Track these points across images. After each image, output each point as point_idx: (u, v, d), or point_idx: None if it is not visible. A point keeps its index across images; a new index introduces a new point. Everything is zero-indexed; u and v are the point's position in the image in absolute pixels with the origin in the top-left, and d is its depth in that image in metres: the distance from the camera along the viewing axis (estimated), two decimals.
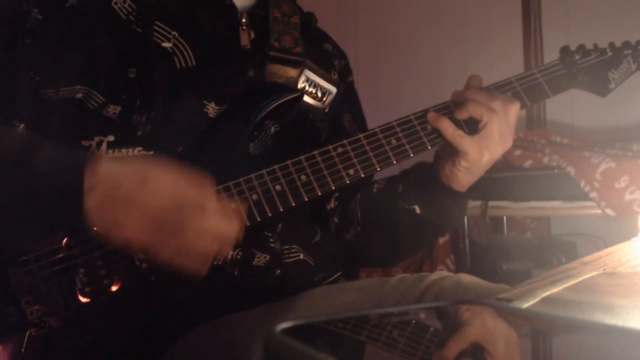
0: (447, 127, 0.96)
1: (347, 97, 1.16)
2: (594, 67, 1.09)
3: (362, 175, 0.92)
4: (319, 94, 1.07)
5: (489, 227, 2.08)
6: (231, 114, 0.94)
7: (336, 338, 0.53)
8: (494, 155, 0.97)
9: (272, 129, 0.99)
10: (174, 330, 0.88)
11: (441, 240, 2.18)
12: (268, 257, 0.95)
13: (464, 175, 1.00)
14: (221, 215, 0.78)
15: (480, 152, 0.96)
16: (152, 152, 0.90)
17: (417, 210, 1.04)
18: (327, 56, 1.14)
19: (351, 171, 0.92)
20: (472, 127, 0.97)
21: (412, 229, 1.06)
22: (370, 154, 0.93)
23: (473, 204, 1.99)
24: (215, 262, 0.90)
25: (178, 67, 0.94)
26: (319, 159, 0.91)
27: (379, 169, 0.93)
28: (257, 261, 0.94)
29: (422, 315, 0.61)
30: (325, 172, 0.91)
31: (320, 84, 1.07)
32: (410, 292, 0.94)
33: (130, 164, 0.77)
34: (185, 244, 0.76)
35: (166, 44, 0.94)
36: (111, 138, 0.89)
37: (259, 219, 0.87)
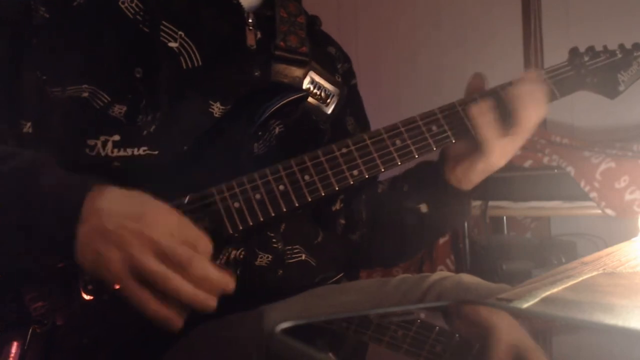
0: (487, 127, 0.95)
1: (351, 101, 1.16)
2: (603, 69, 1.09)
3: (366, 176, 0.92)
4: (323, 96, 1.07)
5: (489, 227, 2.08)
6: (236, 113, 0.94)
7: (336, 338, 0.53)
8: (508, 159, 0.99)
9: (277, 130, 0.99)
10: None
11: (441, 240, 2.18)
12: (270, 257, 0.95)
13: (477, 176, 1.00)
14: (210, 271, 0.75)
15: (501, 157, 0.97)
16: (157, 152, 0.90)
17: (423, 209, 1.04)
18: (331, 59, 1.15)
19: (355, 172, 0.92)
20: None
21: (418, 228, 1.06)
22: (375, 155, 0.93)
23: (473, 204, 1.99)
24: (218, 262, 0.90)
25: (184, 67, 0.94)
26: (322, 159, 0.91)
27: (383, 170, 0.93)
28: (260, 261, 0.94)
29: (423, 315, 0.61)
30: (329, 173, 0.90)
31: (325, 86, 1.07)
32: (411, 292, 0.94)
33: (131, 198, 0.76)
34: (165, 291, 0.74)
35: (172, 44, 0.94)
36: (117, 137, 0.89)
37: (261, 219, 0.87)
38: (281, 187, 0.88)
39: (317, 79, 1.06)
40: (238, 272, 0.92)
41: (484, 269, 1.94)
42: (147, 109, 0.90)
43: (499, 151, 0.97)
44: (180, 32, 0.95)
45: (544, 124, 2.19)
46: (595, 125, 2.26)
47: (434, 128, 0.96)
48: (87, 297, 0.82)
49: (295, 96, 0.95)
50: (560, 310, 0.56)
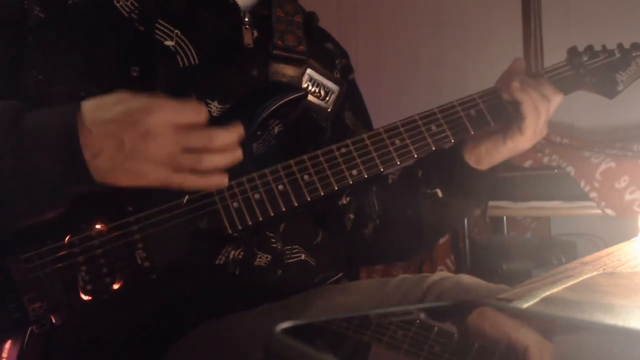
0: (529, 104, 0.97)
1: (349, 95, 1.16)
2: (602, 69, 1.09)
3: (365, 176, 0.92)
4: (322, 93, 1.07)
5: (489, 227, 2.08)
6: (234, 113, 0.94)
7: (337, 338, 0.53)
8: (532, 144, 1.01)
9: (276, 129, 0.99)
10: (175, 329, 0.89)
11: (441, 240, 2.18)
12: (270, 257, 0.95)
13: (500, 156, 1.02)
14: (225, 147, 0.82)
15: (532, 136, 0.99)
16: None
17: (439, 194, 1.04)
18: (329, 55, 1.14)
19: (354, 171, 0.92)
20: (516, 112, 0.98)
21: (435, 213, 1.06)
22: (374, 154, 0.93)
23: None
24: (217, 262, 0.90)
25: (181, 65, 0.94)
26: (322, 158, 0.91)
27: (382, 170, 0.93)
28: (259, 261, 0.94)
29: (422, 316, 0.61)
30: (329, 172, 0.90)
31: (323, 83, 1.07)
32: (411, 292, 0.94)
33: (123, 115, 0.77)
34: (200, 182, 0.82)
35: (169, 43, 0.94)
36: None
37: (261, 218, 0.87)
38: (280, 187, 0.88)
39: (316, 76, 1.06)
40: (237, 272, 0.92)
41: (484, 269, 1.93)
42: None
43: (532, 130, 0.98)
44: (176, 31, 0.95)
45: None
46: (595, 125, 2.26)
47: (433, 128, 0.97)
48: (85, 297, 0.82)
49: (294, 95, 0.95)
50: (560, 310, 0.56)
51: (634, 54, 1.10)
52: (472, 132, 0.98)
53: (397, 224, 1.09)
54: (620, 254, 0.88)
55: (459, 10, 2.62)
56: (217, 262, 0.90)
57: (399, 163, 0.95)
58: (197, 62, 0.95)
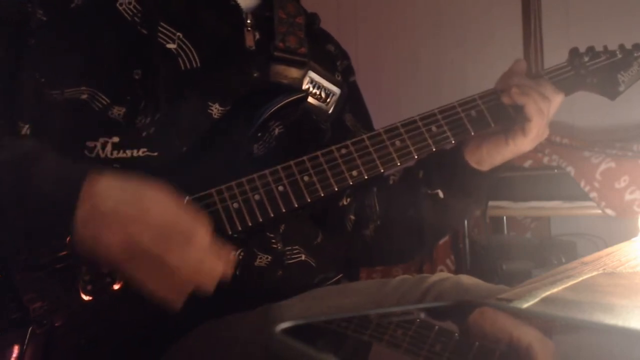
0: (533, 105, 0.97)
1: (350, 97, 1.16)
2: (604, 69, 1.09)
3: (366, 177, 0.92)
4: (323, 95, 1.07)
5: (489, 227, 2.08)
6: (235, 115, 0.94)
7: (337, 338, 0.53)
8: (534, 145, 1.01)
9: (276, 131, 0.99)
10: (175, 329, 0.89)
11: (441, 240, 2.18)
12: (270, 257, 0.95)
13: (502, 157, 1.02)
14: (209, 252, 0.76)
15: (535, 138, 0.99)
16: (156, 154, 0.90)
17: (441, 194, 1.04)
18: (330, 57, 1.14)
19: (354, 172, 0.92)
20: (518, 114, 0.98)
21: (436, 214, 1.06)
22: (374, 155, 0.93)
23: None
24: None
25: (182, 68, 0.94)
26: (322, 159, 0.91)
27: (382, 171, 0.93)
28: (259, 262, 0.94)
29: (422, 315, 0.61)
30: (329, 173, 0.90)
31: (324, 85, 1.07)
32: (410, 293, 0.94)
33: (132, 183, 0.76)
34: (163, 271, 0.74)
35: (171, 45, 0.94)
36: (116, 139, 0.89)
37: (261, 220, 0.87)
38: (280, 188, 0.88)
39: (317, 78, 1.06)
40: (237, 272, 0.92)
41: (484, 269, 1.94)
42: (146, 111, 0.90)
43: (536, 132, 0.98)
44: (178, 34, 0.95)
45: None
46: (595, 125, 2.26)
47: (434, 128, 0.97)
48: (86, 297, 0.82)
49: (295, 97, 0.95)
50: (560, 310, 0.56)
51: (635, 55, 1.10)
52: (472, 133, 0.98)
53: (398, 224, 1.09)
54: (620, 254, 0.88)
55: (459, 10, 2.62)
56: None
57: (399, 164, 0.95)
58: (198, 64, 0.95)
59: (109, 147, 0.89)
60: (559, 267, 0.79)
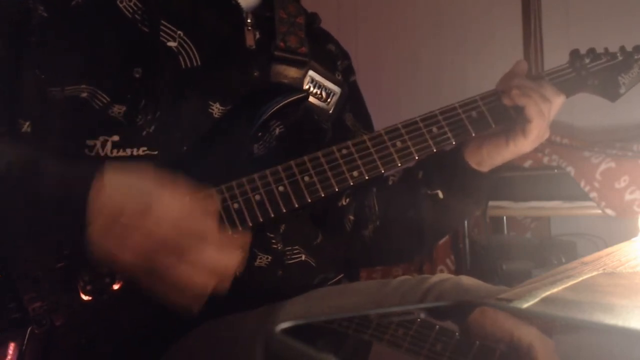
0: (534, 103, 0.97)
1: (350, 97, 1.15)
2: (604, 71, 1.09)
3: (366, 177, 0.92)
4: (324, 95, 1.07)
5: (489, 227, 2.08)
6: (236, 114, 0.94)
7: (337, 338, 0.53)
8: (534, 146, 1.01)
9: (277, 130, 0.99)
10: (175, 329, 0.89)
11: (441, 240, 2.18)
12: (270, 258, 0.95)
13: (502, 157, 1.01)
14: (221, 248, 0.75)
15: (535, 139, 0.99)
16: (156, 152, 0.90)
17: (440, 195, 1.04)
18: (330, 57, 1.14)
19: (355, 173, 0.92)
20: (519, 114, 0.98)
21: (435, 215, 1.06)
22: (375, 156, 0.93)
23: None
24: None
25: (183, 66, 0.94)
26: (322, 160, 0.91)
27: (383, 171, 0.93)
28: (259, 262, 0.94)
29: (423, 315, 0.61)
30: (329, 174, 0.90)
31: (325, 84, 1.07)
32: (411, 294, 0.94)
33: (136, 185, 0.75)
34: (180, 277, 0.73)
35: (171, 44, 0.94)
36: (116, 138, 0.89)
37: (261, 220, 0.87)
38: (281, 188, 0.88)
39: (318, 78, 1.06)
40: (237, 272, 0.92)
41: (484, 269, 1.94)
42: (146, 109, 0.90)
43: (536, 132, 0.98)
44: (179, 32, 0.95)
45: None
46: (595, 125, 2.26)
47: (434, 129, 0.96)
48: (85, 297, 0.82)
49: (295, 97, 0.95)
50: (560, 310, 0.56)
51: (636, 57, 1.10)
52: (473, 134, 0.98)
53: (397, 225, 1.09)
54: (620, 254, 0.88)
55: (459, 10, 2.62)
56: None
57: (399, 164, 0.95)
58: (199, 63, 0.95)
59: (108, 146, 0.89)
60: (559, 267, 0.79)
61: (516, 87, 0.98)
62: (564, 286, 0.63)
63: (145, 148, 0.90)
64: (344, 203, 1.12)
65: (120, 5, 0.93)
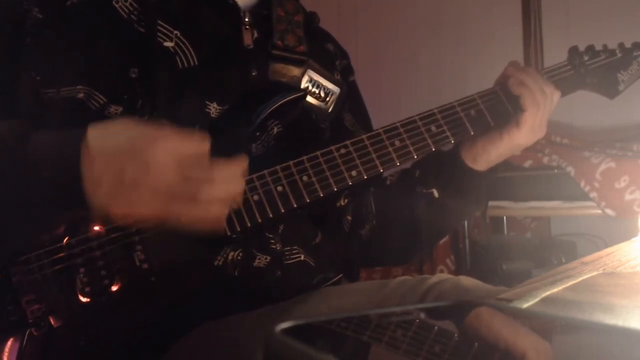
0: (530, 92, 0.96)
1: (349, 97, 1.15)
2: (603, 69, 1.08)
3: (365, 177, 0.91)
4: (322, 95, 1.06)
5: (489, 227, 2.08)
6: (233, 114, 0.94)
7: (337, 338, 0.53)
8: (529, 141, 1.00)
9: (275, 130, 0.98)
10: (174, 330, 0.88)
11: (439, 241, 2.18)
12: (269, 258, 0.95)
13: (497, 154, 1.01)
14: (224, 180, 0.78)
15: (530, 131, 0.98)
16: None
17: (436, 194, 1.04)
18: (329, 56, 1.14)
19: (354, 172, 0.91)
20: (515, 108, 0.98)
21: (431, 214, 1.05)
22: (373, 155, 0.92)
23: None
24: (216, 263, 0.90)
25: (180, 66, 0.94)
26: (321, 159, 0.90)
27: (381, 171, 0.93)
28: (258, 262, 0.94)
29: (422, 316, 0.61)
30: (328, 173, 0.90)
31: (324, 84, 1.06)
32: (410, 294, 0.94)
33: (127, 144, 0.75)
34: (197, 216, 0.76)
35: (168, 44, 0.94)
36: None
37: (260, 220, 0.86)
38: (279, 188, 0.88)
39: (316, 77, 1.05)
40: (236, 273, 0.92)
41: (484, 269, 1.94)
42: (143, 110, 0.89)
43: (530, 125, 0.97)
44: (176, 32, 0.94)
45: None
46: (595, 125, 2.26)
47: (433, 128, 0.96)
48: (84, 299, 0.82)
49: (293, 96, 0.94)
50: (560, 310, 0.56)
51: (634, 54, 1.10)
52: (472, 133, 0.98)
53: (393, 224, 1.09)
54: (620, 254, 0.88)
55: (459, 10, 2.62)
56: (216, 264, 0.90)
57: (398, 164, 0.94)
58: (196, 63, 0.95)
59: None
60: (559, 267, 0.79)
61: (512, 77, 0.98)
62: (564, 286, 0.63)
63: None
64: (343, 203, 1.11)
65: (116, 6, 0.93)
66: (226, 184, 0.78)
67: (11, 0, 0.90)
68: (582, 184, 1.82)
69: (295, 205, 0.88)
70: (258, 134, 0.96)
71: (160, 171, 0.74)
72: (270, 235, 0.96)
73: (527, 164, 1.93)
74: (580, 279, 0.67)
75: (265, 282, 0.95)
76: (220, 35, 0.99)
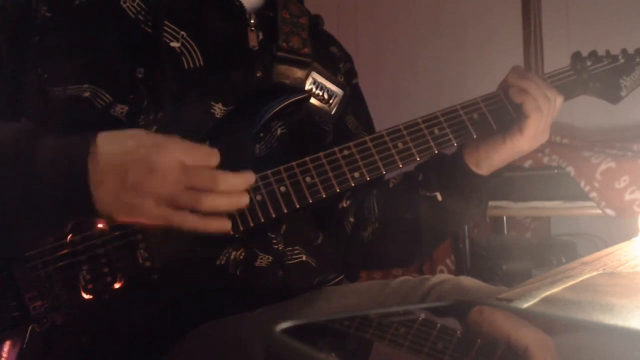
0: (532, 99, 0.96)
1: (352, 99, 1.15)
2: (606, 74, 1.08)
3: (367, 178, 0.92)
4: (326, 97, 1.06)
5: (489, 227, 2.08)
6: (238, 114, 0.94)
7: (337, 338, 0.53)
8: (532, 147, 1.00)
9: (279, 131, 0.99)
10: (176, 329, 0.89)
11: (440, 244, 2.18)
12: (271, 258, 0.95)
13: (499, 158, 1.00)
14: (231, 191, 0.80)
15: (533, 138, 0.98)
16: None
17: (439, 197, 1.04)
18: (333, 59, 1.14)
19: (356, 174, 0.91)
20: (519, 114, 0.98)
21: (433, 217, 1.05)
22: (376, 157, 0.93)
23: None
24: (218, 263, 0.90)
25: (186, 67, 0.94)
26: (324, 160, 0.91)
27: (384, 172, 0.93)
28: (260, 262, 0.94)
29: (423, 315, 0.61)
30: (331, 175, 0.90)
31: (327, 86, 1.06)
32: (411, 294, 0.94)
33: (133, 148, 0.77)
34: (199, 223, 0.78)
35: (174, 44, 0.94)
36: None
37: (262, 220, 0.87)
38: (282, 189, 0.88)
39: (320, 79, 1.06)
40: (238, 273, 0.92)
41: (484, 269, 1.94)
42: (148, 109, 0.90)
43: (533, 131, 0.97)
44: (182, 32, 0.95)
45: None
46: (595, 125, 2.26)
47: (436, 131, 0.96)
48: (86, 296, 0.82)
49: (297, 97, 0.95)
50: (560, 310, 0.56)
51: (638, 59, 1.10)
52: (474, 136, 0.98)
53: (395, 227, 1.09)
54: (620, 254, 0.88)
55: (459, 10, 2.62)
56: (218, 263, 0.90)
57: (401, 166, 0.94)
58: (202, 63, 0.95)
59: None
60: (559, 267, 0.79)
61: (514, 84, 0.98)
62: (564, 286, 0.63)
63: None
64: (345, 205, 1.11)
65: (124, 6, 0.93)
66: (229, 196, 0.80)
67: None
68: (582, 184, 1.82)
69: (297, 206, 0.88)
70: (262, 135, 0.96)
71: (163, 178, 0.75)
72: (273, 236, 0.96)
73: (527, 164, 1.93)
74: (580, 279, 0.68)
75: (267, 282, 0.95)
76: (225, 37, 0.99)
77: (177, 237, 0.84)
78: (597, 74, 1.08)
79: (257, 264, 0.94)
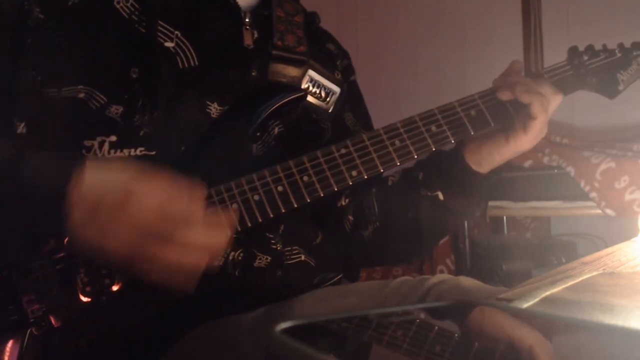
0: (539, 100, 0.95)
1: (350, 96, 1.15)
2: (603, 68, 1.08)
3: (365, 177, 0.91)
4: (323, 94, 1.06)
5: (489, 227, 2.08)
6: (234, 114, 0.94)
7: (337, 338, 0.53)
8: (533, 145, 0.99)
9: (276, 130, 0.98)
10: (174, 330, 0.89)
11: (440, 241, 2.18)
12: (269, 258, 0.95)
13: (502, 156, 1.00)
14: (208, 227, 0.74)
15: (535, 137, 0.98)
16: (154, 153, 0.90)
17: (440, 196, 1.04)
18: (330, 56, 1.14)
19: (354, 172, 0.91)
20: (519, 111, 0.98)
21: (435, 216, 1.05)
22: (374, 155, 0.92)
23: None
24: (216, 263, 0.90)
25: (181, 67, 0.94)
26: (321, 159, 0.90)
27: (382, 170, 0.93)
28: (259, 262, 0.94)
29: (422, 316, 0.61)
30: (328, 173, 0.90)
31: (324, 84, 1.06)
32: (411, 294, 0.94)
33: (116, 176, 0.75)
34: (171, 259, 0.72)
35: (169, 44, 0.94)
36: (113, 138, 0.89)
37: (260, 220, 0.86)
38: (280, 188, 0.88)
39: (317, 77, 1.05)
40: (237, 273, 0.92)
41: (484, 269, 1.94)
42: (143, 110, 0.90)
43: (538, 130, 0.97)
44: (176, 32, 0.95)
45: None
46: (595, 125, 2.26)
47: (433, 128, 0.96)
48: (85, 298, 0.82)
49: (294, 96, 0.94)
50: (560, 310, 0.56)
51: (634, 54, 1.09)
52: (472, 133, 0.98)
53: (396, 226, 1.09)
54: (620, 254, 0.88)
55: (459, 10, 2.62)
56: (216, 264, 0.90)
57: (398, 164, 0.94)
58: (197, 63, 0.95)
59: (106, 146, 0.89)
60: (559, 267, 0.79)
61: (520, 84, 0.97)
62: (564, 286, 0.63)
63: (142, 148, 0.89)
64: (344, 203, 1.11)
65: (117, 6, 0.93)
66: (209, 230, 0.74)
67: (12, 0, 0.90)
68: (582, 184, 1.82)
69: (295, 205, 0.88)
70: (259, 134, 0.96)
71: (139, 205, 0.72)
72: (271, 236, 0.96)
73: (527, 164, 1.93)
74: (580, 279, 0.67)
75: (266, 282, 0.95)
76: (220, 36, 0.99)
77: None
78: (594, 68, 1.07)
79: (256, 264, 0.94)
